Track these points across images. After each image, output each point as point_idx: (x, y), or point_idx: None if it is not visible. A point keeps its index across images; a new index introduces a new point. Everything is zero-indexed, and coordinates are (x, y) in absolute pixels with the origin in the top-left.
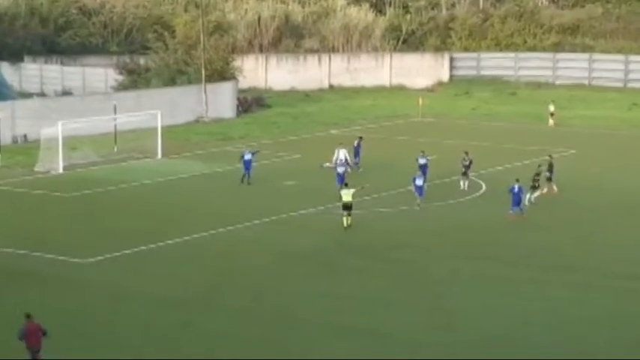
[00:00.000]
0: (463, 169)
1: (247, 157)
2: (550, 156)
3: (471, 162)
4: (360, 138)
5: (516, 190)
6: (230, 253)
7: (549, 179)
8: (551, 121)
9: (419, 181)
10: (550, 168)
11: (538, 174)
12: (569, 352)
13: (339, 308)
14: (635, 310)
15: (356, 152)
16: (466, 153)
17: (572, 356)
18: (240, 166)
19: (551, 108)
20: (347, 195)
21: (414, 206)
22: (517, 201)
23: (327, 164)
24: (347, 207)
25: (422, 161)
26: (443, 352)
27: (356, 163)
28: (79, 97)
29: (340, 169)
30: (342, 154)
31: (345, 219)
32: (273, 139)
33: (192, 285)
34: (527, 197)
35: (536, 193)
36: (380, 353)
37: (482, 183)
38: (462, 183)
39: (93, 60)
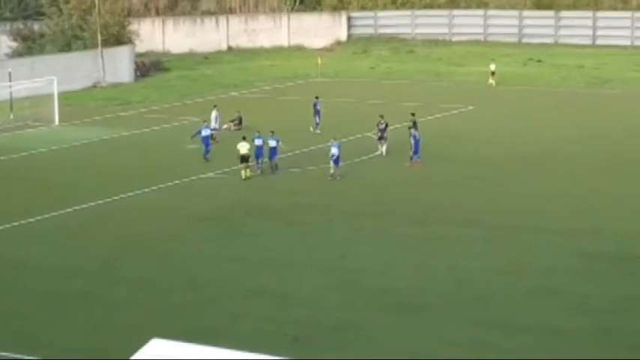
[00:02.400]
0: (379, 134)
1: (205, 132)
2: (412, 114)
3: (386, 125)
4: (317, 97)
5: (417, 137)
6: (132, 219)
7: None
8: (491, 80)
9: (334, 149)
10: (414, 125)
11: None
12: (471, 305)
13: (243, 271)
14: (533, 261)
15: (316, 112)
16: (381, 117)
17: (474, 309)
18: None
19: (492, 67)
20: (243, 147)
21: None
22: (417, 148)
23: (225, 126)
24: (244, 159)
25: (272, 143)
26: (347, 311)
27: (317, 124)
28: None
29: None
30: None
31: (243, 172)
32: (173, 102)
33: (93, 253)
34: None
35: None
36: (285, 314)
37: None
38: (380, 148)
39: None
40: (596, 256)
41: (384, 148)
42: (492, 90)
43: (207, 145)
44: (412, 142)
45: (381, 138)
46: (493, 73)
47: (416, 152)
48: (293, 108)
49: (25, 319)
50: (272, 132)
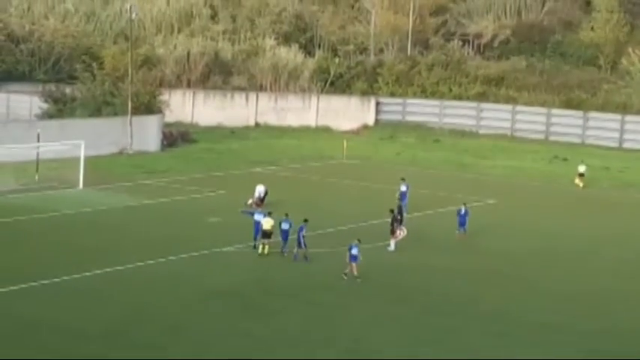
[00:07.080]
0: (390, 227)
1: (285, 226)
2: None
3: (395, 219)
4: (403, 179)
5: (463, 212)
6: (150, 288)
7: (399, 222)
8: (578, 181)
9: (354, 250)
10: (399, 211)
11: None
12: None
13: (256, 348)
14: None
15: (402, 195)
16: (391, 211)
17: None
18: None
19: (582, 168)
20: (267, 223)
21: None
22: (462, 222)
23: (250, 202)
24: (266, 235)
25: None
26: None
27: (404, 205)
28: (2, 124)
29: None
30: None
31: (261, 246)
32: (198, 174)
33: (109, 318)
34: None
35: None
36: None
37: (404, 227)
38: (391, 242)
39: (18, 87)
40: (610, 355)
41: (392, 243)
42: (516, 185)
43: (284, 239)
44: (458, 215)
45: (392, 231)
46: (582, 175)
47: (462, 225)
48: (317, 188)
49: None
50: (305, 220)
